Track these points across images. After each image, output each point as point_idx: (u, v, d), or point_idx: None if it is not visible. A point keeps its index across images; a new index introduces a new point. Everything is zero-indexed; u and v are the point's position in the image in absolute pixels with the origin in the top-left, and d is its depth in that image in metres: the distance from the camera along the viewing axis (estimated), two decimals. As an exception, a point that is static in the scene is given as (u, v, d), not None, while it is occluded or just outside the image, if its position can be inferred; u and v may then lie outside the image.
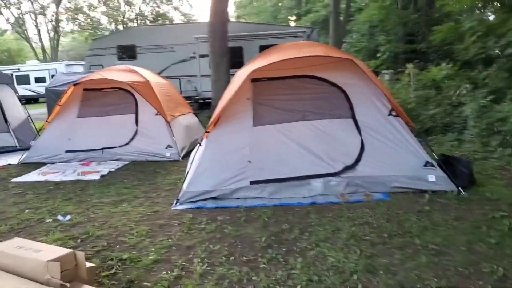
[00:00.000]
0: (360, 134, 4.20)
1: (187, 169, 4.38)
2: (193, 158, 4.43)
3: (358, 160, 4.15)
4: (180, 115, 7.46)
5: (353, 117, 4.26)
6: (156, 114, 6.69)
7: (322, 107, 4.39)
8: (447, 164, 4.11)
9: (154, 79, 7.33)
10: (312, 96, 4.45)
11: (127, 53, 13.43)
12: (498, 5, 7.95)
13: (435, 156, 4.17)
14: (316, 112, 4.38)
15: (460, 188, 3.83)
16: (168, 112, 6.87)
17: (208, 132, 4.37)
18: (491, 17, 8.10)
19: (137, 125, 6.75)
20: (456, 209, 3.49)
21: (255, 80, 4.50)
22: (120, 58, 13.20)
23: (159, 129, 6.63)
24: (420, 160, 3.99)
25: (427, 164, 3.97)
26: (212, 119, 4.40)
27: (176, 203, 4.09)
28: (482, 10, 10.15)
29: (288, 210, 3.77)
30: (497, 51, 7.28)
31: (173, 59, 12.92)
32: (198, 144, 4.43)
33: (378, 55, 13.60)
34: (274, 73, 4.48)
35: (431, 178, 3.93)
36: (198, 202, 4.08)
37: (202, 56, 11.69)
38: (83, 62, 18.76)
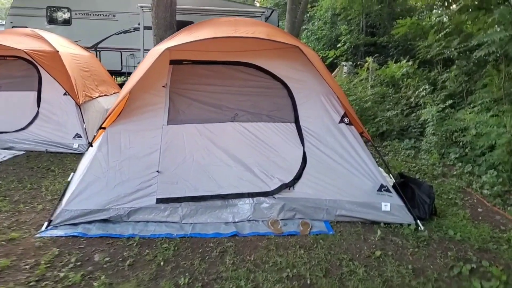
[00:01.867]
0: (303, 145, 3.28)
1: (69, 178, 3.21)
2: (79, 164, 3.28)
3: (298, 177, 3.23)
4: (100, 96, 6.16)
5: (296, 121, 3.33)
6: (65, 94, 5.37)
7: (259, 106, 3.40)
8: (404, 187, 3.34)
9: (68, 50, 5.93)
10: (247, 90, 3.44)
11: (60, 16, 11.53)
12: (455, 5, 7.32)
13: (392, 177, 3.37)
14: (251, 112, 3.39)
15: (419, 222, 3.06)
16: (83, 92, 5.59)
17: (103, 128, 3.24)
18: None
19: (38, 106, 5.38)
20: (414, 256, 2.68)
21: (175, 62, 3.42)
22: (50, 22, 11.29)
23: (67, 113, 5.34)
24: (374, 183, 3.15)
25: (381, 188, 3.15)
26: (110, 111, 3.25)
27: (46, 226, 2.95)
28: (442, 9, 9.66)
29: (199, 245, 2.77)
30: (457, 52, 6.69)
31: (115, 28, 11.27)
32: (89, 145, 3.27)
33: (339, 45, 12.86)
34: (200, 55, 3.43)
35: (386, 206, 3.11)
36: (80, 226, 2.97)
37: (146, 28, 10.18)
38: (3, 22, 16.11)
